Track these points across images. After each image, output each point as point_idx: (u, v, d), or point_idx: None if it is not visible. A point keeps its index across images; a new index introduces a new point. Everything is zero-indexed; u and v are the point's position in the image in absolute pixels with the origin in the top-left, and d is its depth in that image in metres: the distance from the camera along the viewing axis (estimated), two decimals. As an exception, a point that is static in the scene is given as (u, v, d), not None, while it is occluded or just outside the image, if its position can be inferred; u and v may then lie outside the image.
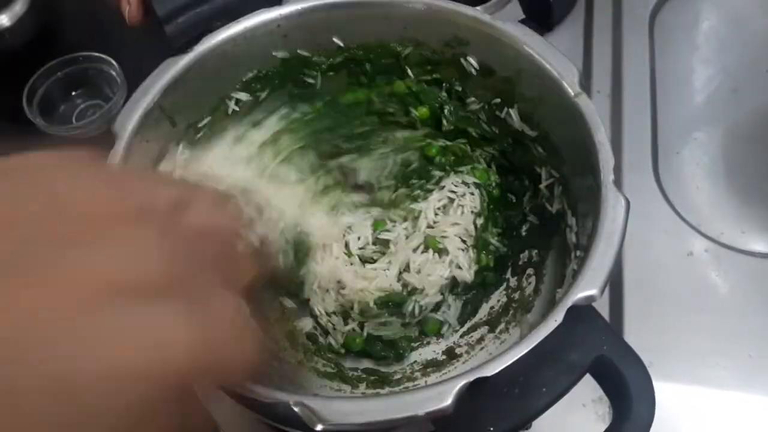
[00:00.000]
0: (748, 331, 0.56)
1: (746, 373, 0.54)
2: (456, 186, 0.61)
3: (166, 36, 0.53)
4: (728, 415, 0.53)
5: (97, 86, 0.72)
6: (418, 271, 0.58)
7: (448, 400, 0.35)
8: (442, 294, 0.58)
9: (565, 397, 0.42)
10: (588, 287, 0.40)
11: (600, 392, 0.51)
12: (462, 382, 0.35)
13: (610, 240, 0.42)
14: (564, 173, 0.53)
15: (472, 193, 0.60)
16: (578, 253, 0.47)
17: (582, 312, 0.40)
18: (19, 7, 0.73)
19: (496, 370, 0.36)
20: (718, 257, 0.60)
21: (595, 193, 0.45)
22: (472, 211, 0.60)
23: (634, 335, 0.55)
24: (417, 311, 0.57)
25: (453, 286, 0.58)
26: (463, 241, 0.59)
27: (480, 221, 0.60)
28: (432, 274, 0.58)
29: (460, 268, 0.58)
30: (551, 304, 0.45)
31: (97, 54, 0.71)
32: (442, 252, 0.59)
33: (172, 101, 0.52)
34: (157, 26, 0.53)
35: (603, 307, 0.57)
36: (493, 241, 0.59)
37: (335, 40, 0.57)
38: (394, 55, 0.58)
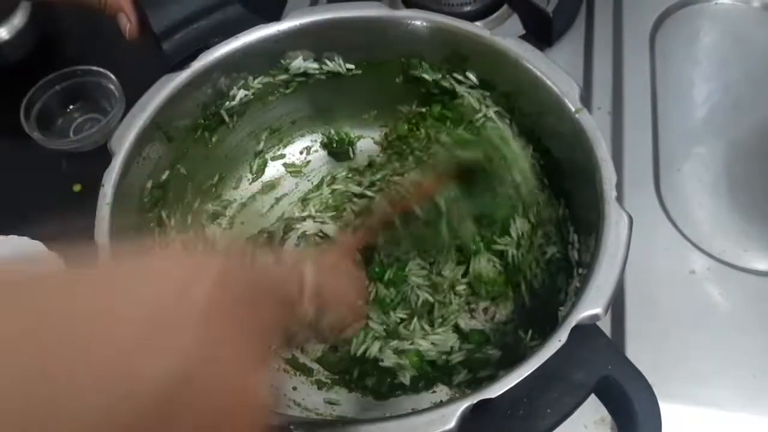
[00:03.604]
0: (752, 350, 0.55)
1: (750, 394, 0.53)
2: None
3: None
4: (733, 436, 0.52)
5: (95, 100, 0.72)
6: None
7: (452, 423, 0.34)
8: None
9: (567, 419, 0.41)
10: (592, 306, 0.39)
11: (602, 413, 0.50)
12: (465, 404, 0.35)
13: (614, 257, 0.41)
14: (565, 189, 0.52)
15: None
16: (581, 270, 0.46)
17: (586, 331, 0.39)
18: (18, 21, 0.72)
19: (500, 392, 0.35)
20: (721, 275, 0.59)
21: (596, 210, 0.44)
22: None
23: (635, 354, 0.53)
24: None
25: None
26: None
27: None
28: None
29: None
30: (554, 322, 0.45)
31: (95, 68, 0.71)
32: None
33: (169, 117, 0.52)
34: (156, 41, 0.53)
35: (604, 326, 0.56)
36: None
37: (334, 57, 0.57)
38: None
